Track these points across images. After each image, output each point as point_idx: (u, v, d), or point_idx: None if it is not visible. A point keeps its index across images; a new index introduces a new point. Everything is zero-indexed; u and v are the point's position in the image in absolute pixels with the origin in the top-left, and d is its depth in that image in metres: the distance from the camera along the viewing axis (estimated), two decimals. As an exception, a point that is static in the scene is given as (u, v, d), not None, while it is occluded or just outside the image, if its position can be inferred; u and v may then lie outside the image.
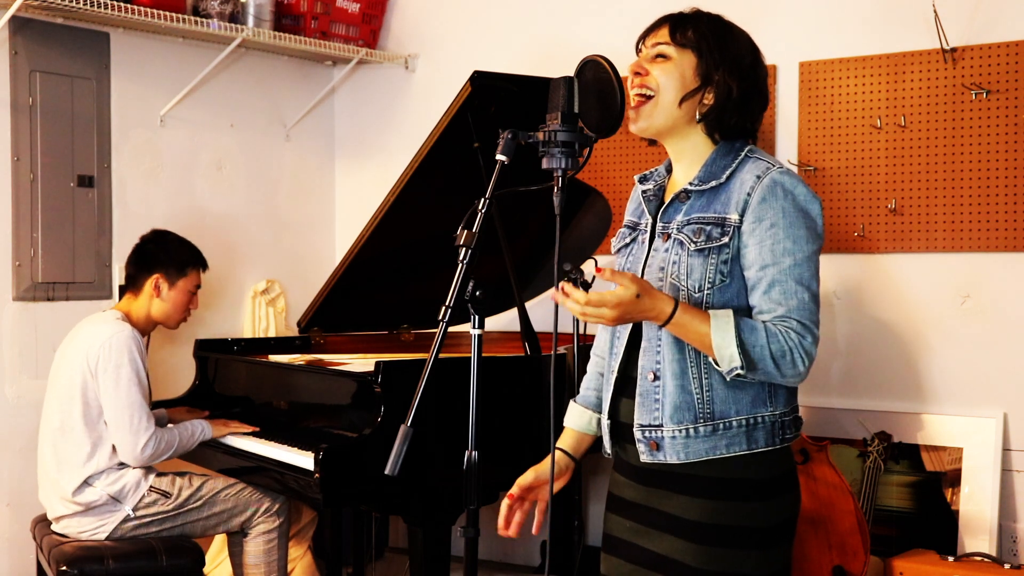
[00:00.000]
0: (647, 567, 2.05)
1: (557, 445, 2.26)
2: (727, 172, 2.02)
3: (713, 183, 2.02)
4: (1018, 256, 3.49)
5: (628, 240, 2.16)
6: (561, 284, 1.93)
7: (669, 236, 2.04)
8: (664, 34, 2.07)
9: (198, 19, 4.11)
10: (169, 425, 3.50)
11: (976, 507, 3.44)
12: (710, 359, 1.95)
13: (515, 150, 2.03)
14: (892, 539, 3.54)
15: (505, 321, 4.04)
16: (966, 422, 3.53)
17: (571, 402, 2.31)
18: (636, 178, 2.21)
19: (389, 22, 4.91)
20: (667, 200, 2.10)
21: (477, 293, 1.99)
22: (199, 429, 3.46)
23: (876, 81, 3.69)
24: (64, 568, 3.19)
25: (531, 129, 2.03)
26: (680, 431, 1.99)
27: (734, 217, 1.97)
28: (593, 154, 2.16)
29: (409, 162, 3.47)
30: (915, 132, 3.62)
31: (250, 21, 4.32)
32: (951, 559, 3.33)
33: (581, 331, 3.32)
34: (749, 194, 1.97)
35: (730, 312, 1.92)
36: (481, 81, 3.22)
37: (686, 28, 2.06)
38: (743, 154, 2.04)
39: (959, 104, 3.54)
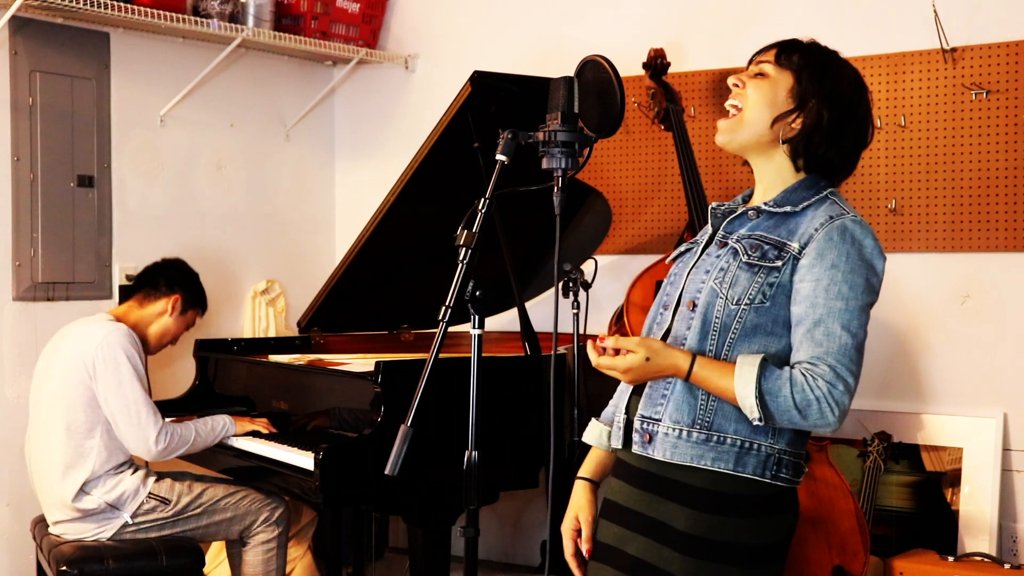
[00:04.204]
0: (629, 573, 2.03)
1: (580, 474, 2.23)
2: (804, 204, 2.01)
3: (787, 208, 2.01)
4: (1018, 256, 3.49)
5: (683, 250, 2.16)
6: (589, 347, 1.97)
7: (726, 244, 2.03)
8: (771, 55, 2.06)
9: (198, 19, 4.11)
10: (187, 420, 3.49)
11: (976, 507, 3.44)
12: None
13: (515, 150, 2.03)
14: (892, 539, 3.54)
15: (505, 321, 4.04)
16: (966, 422, 3.53)
17: (592, 419, 2.29)
18: (714, 204, 2.19)
19: (389, 22, 4.91)
20: (736, 214, 2.09)
21: (477, 293, 1.99)
22: (221, 424, 3.43)
23: (876, 81, 3.69)
24: (64, 568, 3.19)
25: (531, 129, 2.03)
26: (673, 430, 1.98)
27: (795, 246, 1.96)
28: (593, 154, 2.16)
29: (409, 162, 3.47)
30: (915, 132, 3.62)
31: (250, 21, 4.32)
32: (951, 559, 3.33)
33: (581, 331, 3.32)
34: (817, 230, 1.95)
35: (757, 360, 1.90)
36: (481, 81, 3.22)
37: (793, 52, 2.05)
38: (825, 193, 2.04)
39: (959, 104, 3.54)
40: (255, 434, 3.45)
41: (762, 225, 2.02)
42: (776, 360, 1.94)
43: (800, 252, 1.95)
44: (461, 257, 1.98)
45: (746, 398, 1.88)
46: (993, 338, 3.54)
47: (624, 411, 2.11)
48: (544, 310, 4.18)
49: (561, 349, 3.31)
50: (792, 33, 3.91)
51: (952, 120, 3.56)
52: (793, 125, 2.03)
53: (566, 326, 3.35)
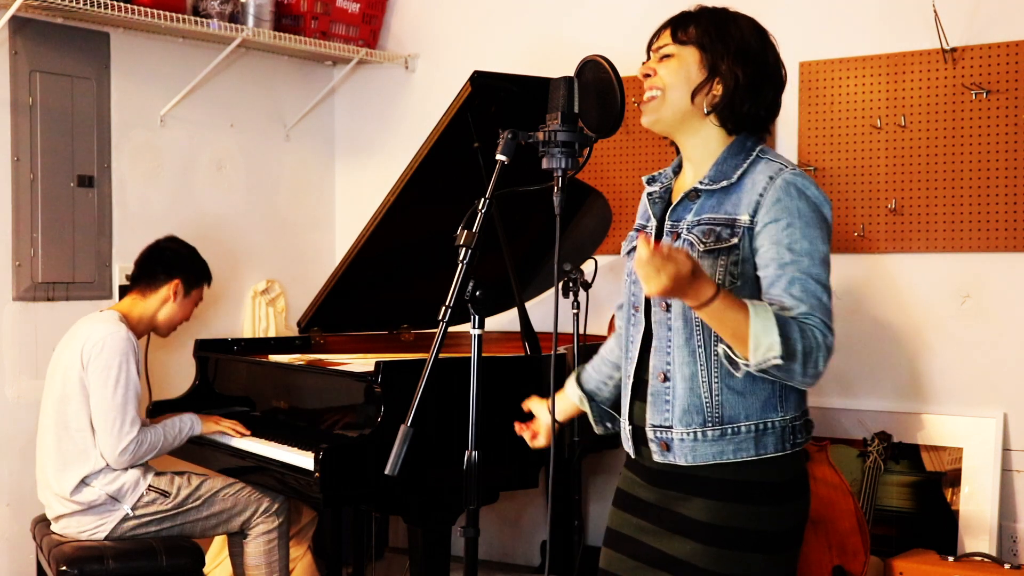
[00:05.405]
0: (652, 565, 2.04)
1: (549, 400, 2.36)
2: (738, 172, 2.01)
3: (724, 183, 2.01)
4: (1018, 256, 3.49)
5: (636, 243, 2.15)
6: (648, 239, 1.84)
7: (679, 236, 2.03)
8: (667, 36, 2.07)
9: (198, 19, 4.11)
10: (155, 422, 3.48)
11: (976, 507, 3.44)
12: (730, 354, 1.91)
13: (515, 150, 2.03)
14: (892, 539, 3.54)
15: (505, 321, 4.04)
16: (966, 422, 3.53)
17: (573, 373, 2.39)
18: (644, 180, 2.20)
19: (389, 22, 4.91)
20: (675, 200, 2.09)
21: (477, 293, 1.99)
22: (187, 424, 3.45)
23: (876, 81, 3.69)
24: (64, 568, 3.19)
25: (531, 129, 2.03)
26: (688, 433, 1.98)
27: (744, 218, 1.96)
28: (593, 154, 2.16)
29: (409, 162, 3.47)
30: (915, 132, 3.62)
31: (250, 21, 4.32)
32: (951, 559, 3.33)
33: (581, 331, 3.32)
34: (761, 195, 1.95)
35: (767, 303, 1.88)
36: (481, 81, 3.22)
37: (687, 26, 2.06)
38: (755, 154, 2.03)
39: (959, 104, 3.54)
40: (254, 434, 3.45)
41: (705, 206, 2.02)
42: None
43: (752, 221, 1.95)
44: (461, 257, 1.98)
45: (765, 335, 1.81)
46: (993, 338, 3.54)
47: (629, 418, 2.11)
48: (544, 310, 4.18)
49: (561, 349, 3.31)
50: (793, 33, 3.93)
51: (952, 120, 3.56)
52: (714, 93, 2.03)
53: (566, 326, 3.35)
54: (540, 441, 2.37)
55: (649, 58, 2.11)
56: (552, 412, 2.16)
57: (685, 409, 1.99)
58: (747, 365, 1.87)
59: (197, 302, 3.68)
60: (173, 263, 3.59)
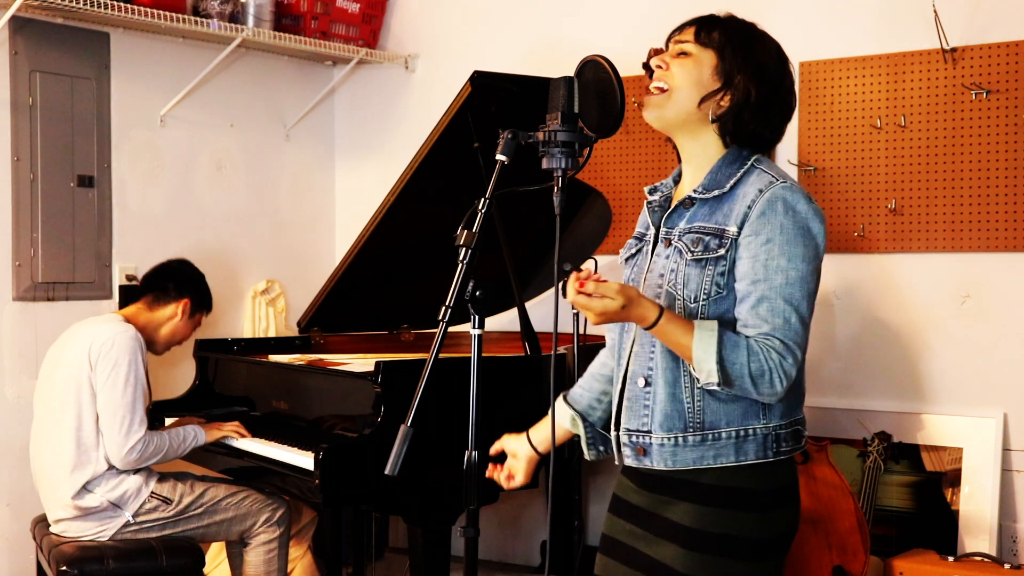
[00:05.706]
0: (643, 571, 2.04)
1: (529, 431, 2.30)
2: (731, 181, 2.00)
3: (716, 192, 2.01)
4: (1018, 256, 3.49)
5: (634, 251, 2.16)
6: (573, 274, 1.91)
7: (670, 243, 2.03)
8: (690, 33, 2.06)
9: (198, 19, 4.11)
10: (162, 430, 3.49)
11: (976, 507, 3.44)
12: (687, 367, 1.94)
13: (515, 150, 2.03)
14: (892, 539, 3.54)
15: (505, 321, 4.04)
16: (966, 422, 3.53)
17: (561, 395, 2.30)
18: (646, 190, 2.20)
19: (389, 22, 4.91)
20: (672, 206, 2.08)
21: (477, 293, 1.99)
22: (191, 435, 3.43)
23: (876, 81, 3.69)
24: (64, 568, 3.19)
25: (531, 129, 2.03)
26: (669, 439, 1.98)
27: (733, 230, 1.95)
28: (593, 154, 2.15)
29: (409, 162, 3.47)
30: (915, 132, 3.62)
31: (250, 21, 4.32)
32: (951, 559, 3.33)
33: (581, 331, 3.32)
34: (750, 207, 1.95)
35: (715, 325, 1.90)
36: (481, 81, 3.22)
37: (712, 29, 2.04)
38: (749, 163, 2.02)
39: (959, 104, 3.54)
40: (254, 434, 3.45)
41: (699, 214, 2.02)
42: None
43: (739, 233, 1.95)
44: (461, 257, 1.98)
45: (705, 361, 1.87)
46: (993, 338, 3.54)
47: (615, 426, 2.10)
48: (544, 310, 4.18)
49: (561, 349, 3.31)
50: (793, 33, 3.92)
51: (952, 120, 3.56)
52: (722, 103, 2.02)
53: (566, 326, 3.35)
54: (517, 481, 2.28)
55: (667, 49, 2.09)
56: (552, 412, 2.15)
57: (666, 415, 1.98)
58: (697, 382, 1.94)
59: (195, 327, 3.70)
60: (185, 282, 3.62)
